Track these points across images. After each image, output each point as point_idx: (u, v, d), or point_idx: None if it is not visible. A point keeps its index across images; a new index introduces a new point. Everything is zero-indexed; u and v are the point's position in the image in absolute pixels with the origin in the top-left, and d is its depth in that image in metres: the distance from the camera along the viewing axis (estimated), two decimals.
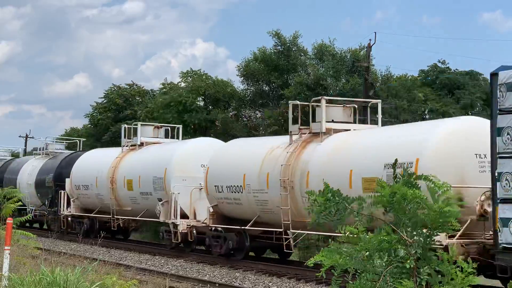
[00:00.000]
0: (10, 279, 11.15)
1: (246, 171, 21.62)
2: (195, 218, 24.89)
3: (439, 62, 47.91)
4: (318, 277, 9.65)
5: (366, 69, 38.97)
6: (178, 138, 31.31)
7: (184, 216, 24.82)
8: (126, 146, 29.86)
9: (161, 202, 25.50)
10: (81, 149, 39.37)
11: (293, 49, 44.65)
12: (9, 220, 12.77)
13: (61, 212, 33.25)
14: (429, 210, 7.25)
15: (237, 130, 42.16)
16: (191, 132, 43.50)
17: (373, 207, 7.40)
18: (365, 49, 40.46)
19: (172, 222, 24.76)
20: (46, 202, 35.43)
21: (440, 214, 7.20)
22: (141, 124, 29.93)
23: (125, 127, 30.22)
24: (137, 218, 28.12)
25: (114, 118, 53.10)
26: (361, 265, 7.23)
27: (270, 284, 18.57)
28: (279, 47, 44.76)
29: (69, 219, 33.22)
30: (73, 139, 44.81)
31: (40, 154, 39.78)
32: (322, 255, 7.31)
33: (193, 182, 24.69)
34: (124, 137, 30.06)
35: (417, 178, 7.40)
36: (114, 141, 46.49)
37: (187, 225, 24.58)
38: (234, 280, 19.33)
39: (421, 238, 7.29)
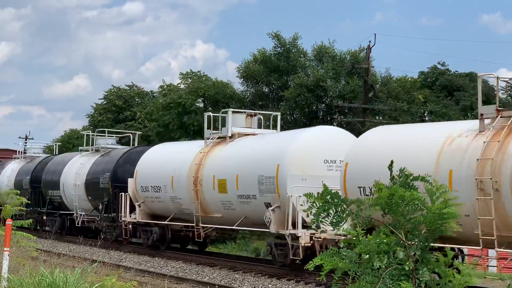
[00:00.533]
0: (10, 281, 11.15)
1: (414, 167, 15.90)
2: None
3: (439, 63, 48.02)
4: (318, 280, 9.59)
5: (366, 70, 39.02)
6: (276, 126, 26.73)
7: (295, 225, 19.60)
8: (211, 138, 24.28)
9: (272, 207, 20.04)
10: (134, 145, 34.24)
11: (293, 51, 44.67)
12: (9, 222, 12.78)
13: (122, 219, 27.73)
14: (428, 211, 7.26)
15: None
16: (191, 133, 43.56)
17: (372, 208, 7.41)
18: (365, 50, 40.51)
19: (290, 233, 19.41)
20: (100, 207, 30.08)
21: (439, 215, 7.21)
22: (232, 111, 24.17)
23: (209, 116, 25.00)
24: (234, 227, 22.58)
25: (114, 119, 53.18)
26: (361, 268, 7.24)
27: (269, 285, 18.57)
28: (279, 49, 44.78)
29: (130, 226, 27.66)
30: (125, 133, 38.66)
31: (88, 150, 33.92)
32: (322, 258, 7.32)
33: (314, 182, 18.37)
34: (208, 127, 24.82)
35: (414, 179, 7.42)
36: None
37: (313, 237, 18.81)
38: (233, 281, 19.33)
39: (420, 240, 7.31)
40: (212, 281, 19.26)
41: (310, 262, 7.57)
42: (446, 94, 45.63)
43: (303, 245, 18.95)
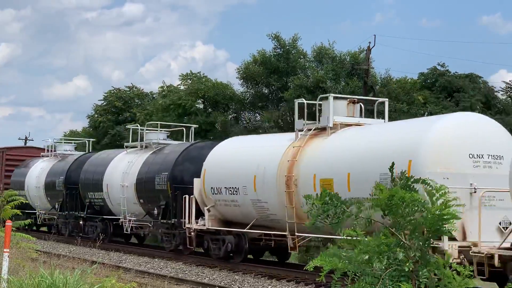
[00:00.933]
0: (9, 282, 11.16)
1: None
2: (464, 238, 15.12)
3: (439, 65, 47.94)
4: (317, 281, 9.53)
5: (366, 72, 39.04)
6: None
7: None
8: (305, 130, 20.12)
9: None
10: (190, 140, 29.60)
11: (293, 52, 44.68)
12: (8, 223, 12.78)
13: (186, 226, 23.52)
14: (427, 213, 7.26)
15: (236, 133, 42.19)
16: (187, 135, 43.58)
17: (372, 210, 7.42)
18: (365, 51, 40.53)
19: None
20: (155, 211, 25.95)
21: (439, 217, 7.22)
22: (334, 97, 20.09)
23: (301, 103, 21.30)
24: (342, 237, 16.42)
25: (114, 120, 53.22)
26: (360, 269, 7.25)
27: (269, 287, 18.58)
28: (279, 50, 44.79)
29: (192, 233, 23.47)
30: (179, 126, 33.25)
31: (137, 146, 29.41)
32: (321, 259, 7.33)
33: (459, 182, 15.35)
34: (300, 117, 20.88)
35: (415, 182, 7.42)
36: (115, 144, 46.52)
37: (462, 248, 14.81)
38: (233, 282, 19.34)
39: (419, 241, 7.31)
40: (212, 282, 19.26)
41: (309, 262, 7.58)
42: (446, 95, 45.63)
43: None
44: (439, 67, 47.71)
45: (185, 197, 23.59)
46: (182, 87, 48.96)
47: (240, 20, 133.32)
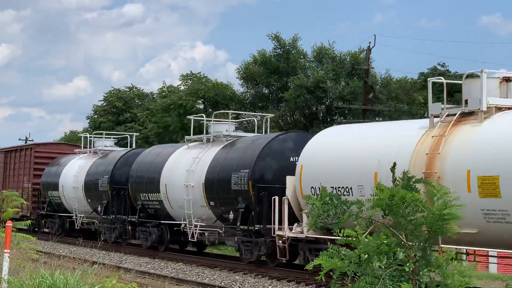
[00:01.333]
0: (10, 282, 11.16)
1: None
2: None
3: (439, 65, 47.96)
4: (318, 281, 9.47)
5: (366, 72, 39.07)
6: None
7: None
8: (444, 115, 16.30)
9: None
10: (267, 132, 25.38)
11: (293, 52, 44.73)
12: (9, 223, 12.77)
13: (276, 233, 19.64)
14: (428, 213, 7.26)
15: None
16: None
17: (372, 210, 7.41)
18: (365, 52, 40.55)
19: None
20: (231, 216, 21.71)
21: (439, 217, 7.22)
22: (487, 76, 16.05)
23: (435, 82, 18.23)
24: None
25: (114, 121, 53.27)
26: (360, 268, 7.25)
27: (270, 287, 18.59)
28: (279, 50, 44.84)
29: (282, 242, 19.51)
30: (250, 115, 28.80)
31: (201, 140, 24.92)
32: (321, 259, 7.32)
33: None
34: (434, 100, 17.23)
35: (416, 182, 7.42)
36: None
37: None
38: (233, 283, 19.34)
39: (420, 241, 7.31)
40: (213, 283, 19.26)
41: (310, 262, 7.58)
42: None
43: None
44: (439, 67, 47.72)
45: (273, 198, 19.89)
46: (182, 88, 49.02)
47: (240, 20, 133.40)
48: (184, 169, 23.94)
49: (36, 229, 34.93)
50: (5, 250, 12.04)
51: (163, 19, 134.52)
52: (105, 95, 56.15)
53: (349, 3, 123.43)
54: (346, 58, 43.58)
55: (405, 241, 7.25)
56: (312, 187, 18.33)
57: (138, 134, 35.32)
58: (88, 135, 34.13)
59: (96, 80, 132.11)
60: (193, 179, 23.29)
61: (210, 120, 24.87)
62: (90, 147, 33.03)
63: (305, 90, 41.07)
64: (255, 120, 27.82)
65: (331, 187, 17.43)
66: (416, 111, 41.34)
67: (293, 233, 19.17)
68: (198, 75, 49.65)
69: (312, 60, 45.04)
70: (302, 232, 18.80)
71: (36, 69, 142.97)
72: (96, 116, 55.60)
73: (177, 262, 24.21)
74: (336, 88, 41.97)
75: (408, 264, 7.17)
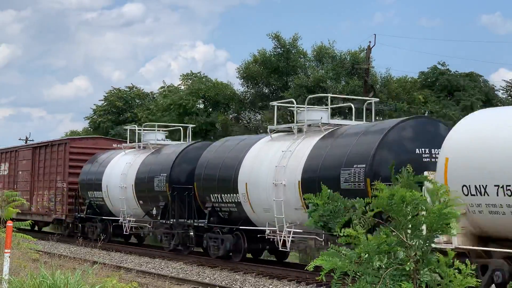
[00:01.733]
0: (10, 282, 11.16)
1: None
2: None
3: (439, 64, 47.99)
4: (318, 280, 9.40)
5: (366, 71, 39.05)
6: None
7: None
8: None
9: None
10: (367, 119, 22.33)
11: (293, 51, 44.76)
12: (9, 223, 12.78)
13: None
14: (428, 212, 7.26)
15: (237, 132, 42.24)
16: (192, 135, 43.65)
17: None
18: (365, 51, 40.54)
19: None
20: None
21: (440, 216, 7.21)
22: None
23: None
24: None
25: (114, 121, 53.29)
26: (361, 268, 7.25)
27: (270, 286, 18.58)
28: (279, 49, 44.87)
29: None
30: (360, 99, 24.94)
31: (289, 130, 20.81)
32: (321, 259, 7.32)
33: None
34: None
35: (416, 180, 7.42)
36: None
37: None
38: (234, 282, 19.33)
39: (420, 240, 7.31)
40: (213, 282, 19.26)
41: (311, 262, 7.57)
42: (446, 94, 45.68)
43: None
44: (439, 66, 47.76)
45: None
46: (182, 87, 49.05)
47: (240, 20, 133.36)
48: (272, 164, 19.90)
49: (72, 235, 31.36)
50: (6, 250, 12.05)
51: (163, 18, 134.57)
52: (106, 95, 56.22)
53: (349, 2, 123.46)
54: (346, 58, 43.60)
55: (405, 240, 7.24)
56: (463, 185, 14.25)
57: (194, 125, 31.08)
58: (136, 128, 30.13)
59: (96, 80, 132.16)
60: (285, 176, 19.32)
61: (301, 107, 20.73)
62: (137, 141, 29.07)
63: (305, 89, 41.09)
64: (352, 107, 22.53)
65: (495, 185, 13.73)
66: (416, 110, 41.34)
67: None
68: (198, 74, 49.68)
69: (312, 59, 45.09)
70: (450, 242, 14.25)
71: (36, 69, 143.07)
72: (95, 116, 55.61)
73: (177, 261, 24.21)
74: (336, 88, 41.98)
75: (408, 264, 7.17)
